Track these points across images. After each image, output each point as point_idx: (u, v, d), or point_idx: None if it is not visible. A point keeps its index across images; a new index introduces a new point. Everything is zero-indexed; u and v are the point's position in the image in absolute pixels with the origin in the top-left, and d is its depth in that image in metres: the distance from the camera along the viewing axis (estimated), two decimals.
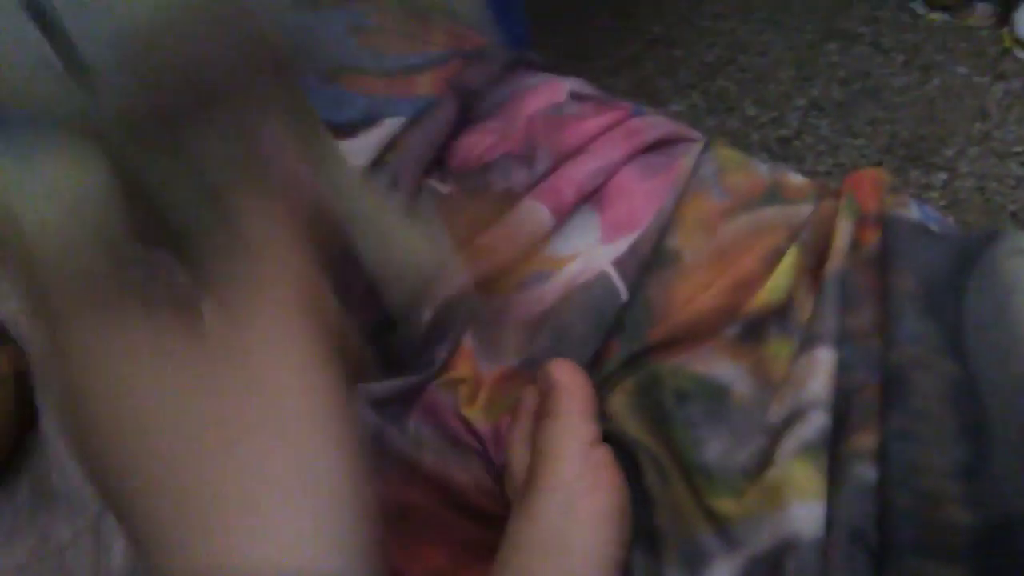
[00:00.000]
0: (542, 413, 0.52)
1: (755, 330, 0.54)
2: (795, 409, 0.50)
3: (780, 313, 0.54)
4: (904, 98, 1.66)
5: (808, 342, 0.52)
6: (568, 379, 0.52)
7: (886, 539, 0.47)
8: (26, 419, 0.55)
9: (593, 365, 0.56)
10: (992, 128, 1.59)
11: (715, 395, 0.53)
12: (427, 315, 0.57)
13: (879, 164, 1.50)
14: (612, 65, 1.90)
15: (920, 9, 1.83)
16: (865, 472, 0.47)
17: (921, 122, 1.61)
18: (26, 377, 0.55)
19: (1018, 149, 1.56)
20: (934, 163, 1.55)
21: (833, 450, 0.49)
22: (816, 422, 0.49)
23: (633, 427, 0.53)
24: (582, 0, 2.10)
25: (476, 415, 0.57)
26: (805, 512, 0.47)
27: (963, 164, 1.55)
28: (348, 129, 0.63)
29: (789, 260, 0.55)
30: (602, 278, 0.57)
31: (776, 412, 0.51)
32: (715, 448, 0.51)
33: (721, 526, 0.49)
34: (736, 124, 1.69)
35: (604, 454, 0.50)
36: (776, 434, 0.50)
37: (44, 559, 0.52)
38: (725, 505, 0.50)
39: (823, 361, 0.50)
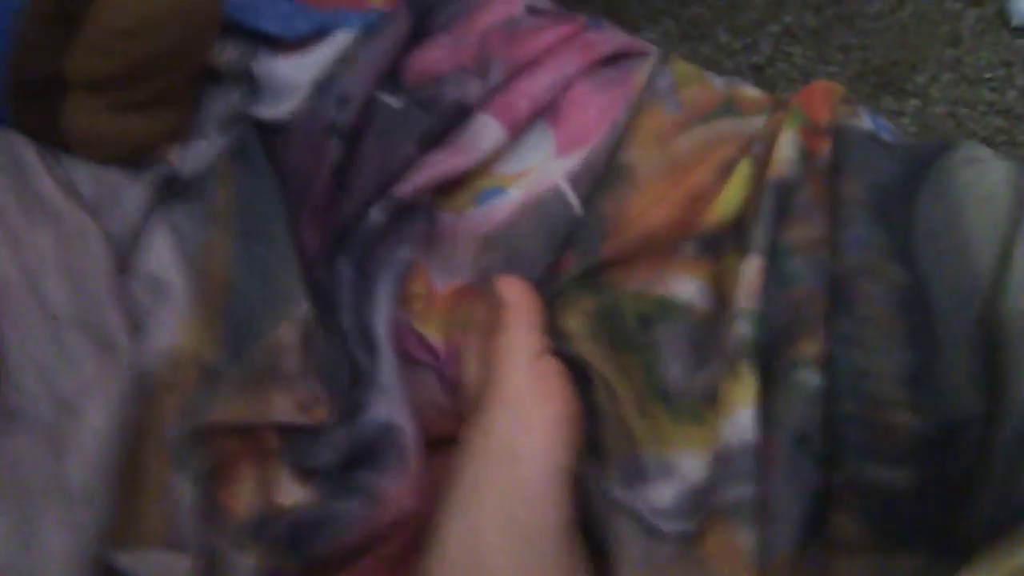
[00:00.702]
0: (491, 328, 0.52)
1: (711, 245, 0.54)
2: (728, 324, 0.50)
3: (734, 226, 0.54)
4: (877, 24, 1.65)
5: (743, 252, 0.52)
6: (515, 294, 0.52)
7: (832, 444, 0.47)
8: None
9: (546, 280, 0.56)
10: (964, 54, 1.58)
11: (678, 316, 0.53)
12: (378, 218, 0.56)
13: (851, 91, 1.49)
14: None
15: None
16: (809, 378, 0.47)
17: (894, 48, 1.60)
18: None
19: (989, 75, 1.56)
20: (906, 90, 1.55)
21: (777, 358, 0.49)
22: (739, 331, 0.49)
23: (588, 348, 0.53)
24: None
25: (430, 331, 0.57)
26: (732, 422, 0.47)
27: (935, 90, 1.54)
28: (298, 44, 0.62)
29: (742, 172, 0.55)
30: (555, 192, 0.56)
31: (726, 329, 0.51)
32: (676, 371, 0.52)
33: (670, 452, 0.50)
34: (709, 51, 1.68)
35: (553, 365, 0.51)
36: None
37: (2, 476, 0.52)
38: (686, 431, 0.50)
39: (750, 270, 0.50)
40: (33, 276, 0.54)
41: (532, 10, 0.66)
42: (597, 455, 0.51)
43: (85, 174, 0.59)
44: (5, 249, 0.55)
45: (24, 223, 0.56)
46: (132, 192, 0.58)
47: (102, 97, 0.57)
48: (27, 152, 0.59)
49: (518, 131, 0.59)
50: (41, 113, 0.58)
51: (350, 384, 0.55)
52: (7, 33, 0.57)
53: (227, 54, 0.62)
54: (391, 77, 0.61)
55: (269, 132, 0.61)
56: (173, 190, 0.58)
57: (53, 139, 0.59)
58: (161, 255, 0.56)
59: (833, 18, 1.68)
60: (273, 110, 0.61)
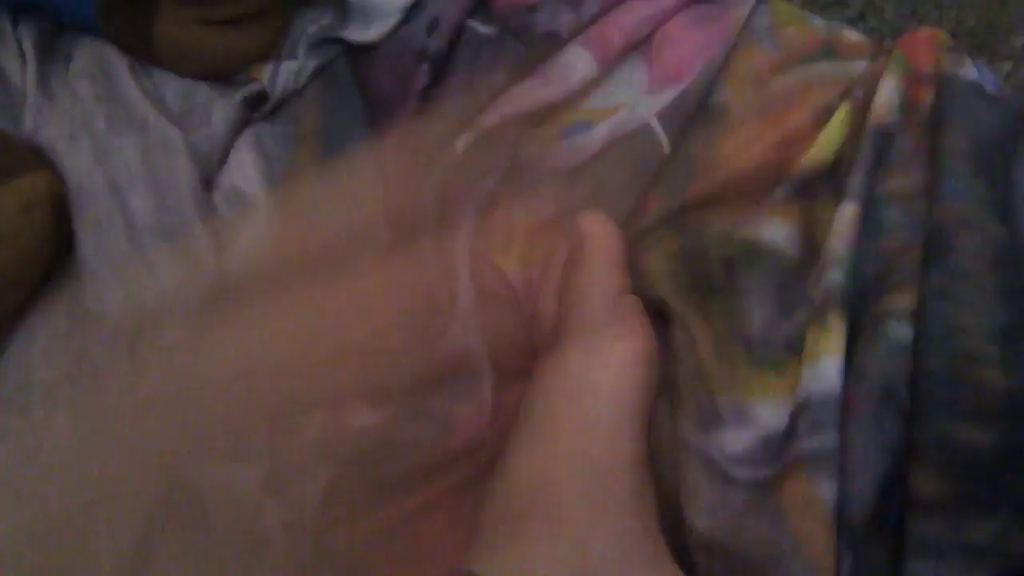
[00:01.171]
0: (571, 263, 0.51)
1: (804, 189, 0.53)
2: (820, 271, 0.49)
3: (829, 171, 0.53)
4: None
5: (838, 199, 0.50)
6: (598, 230, 0.52)
7: (918, 399, 0.46)
8: (62, 241, 0.55)
9: (631, 219, 0.55)
10: None
11: (764, 261, 0.52)
12: (461, 146, 0.56)
13: None
14: None
15: None
16: (900, 331, 0.46)
17: (988, 9, 1.55)
18: (62, 200, 0.55)
19: None
20: (999, 52, 1.50)
21: (867, 308, 0.48)
22: (829, 279, 0.48)
23: (669, 289, 0.52)
24: None
25: (509, 264, 0.56)
26: (816, 372, 0.46)
27: None
28: None
29: (839, 117, 0.53)
30: (644, 129, 0.55)
31: (815, 279, 0.50)
32: (760, 317, 0.51)
33: (748, 398, 0.49)
34: (799, 4, 1.64)
35: (633, 302, 0.50)
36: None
37: (78, 376, 0.53)
38: (765, 379, 0.49)
39: (844, 217, 0.49)
40: (116, 185, 0.55)
41: None
42: (672, 397, 0.50)
43: (174, 89, 0.59)
44: (90, 157, 0.56)
45: (110, 132, 0.57)
46: (220, 109, 0.58)
47: (193, 10, 0.57)
48: (117, 63, 0.59)
49: (610, 65, 0.58)
50: (132, 25, 0.58)
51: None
52: None
53: None
54: (482, 4, 0.61)
55: (358, 55, 0.60)
56: (261, 109, 0.58)
57: (143, 52, 0.59)
58: (246, 171, 0.56)
59: None
60: (363, 33, 0.60)
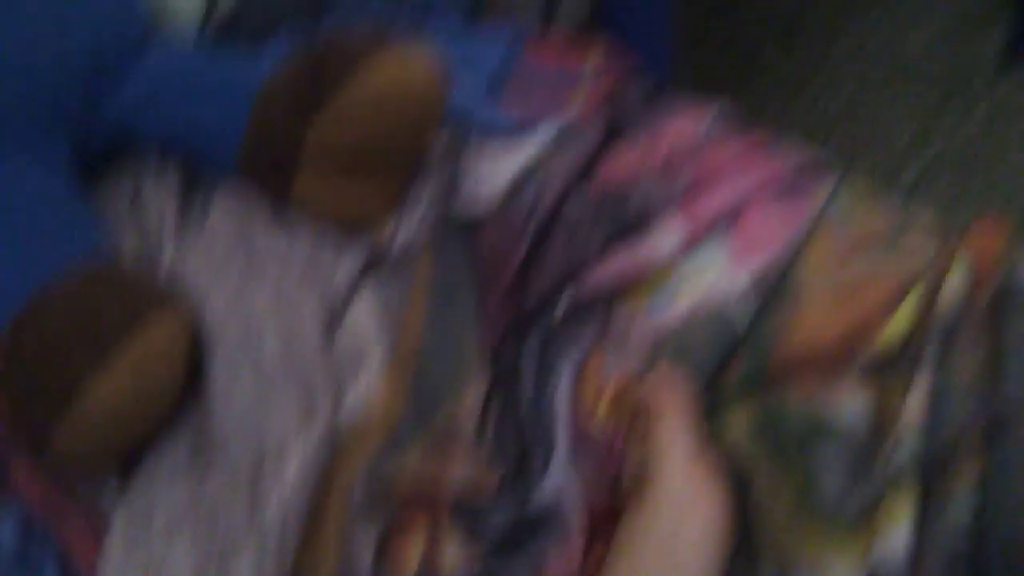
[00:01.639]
0: (652, 418, 0.55)
1: (876, 368, 0.57)
2: (896, 444, 0.53)
3: (900, 353, 0.57)
4: (1021, 166, 1.66)
5: (911, 378, 0.55)
6: (673, 389, 0.56)
7: (982, 569, 0.49)
8: (194, 375, 0.59)
9: (713, 384, 0.59)
10: None
11: (839, 433, 0.56)
12: (561, 311, 0.61)
13: None
14: (733, 110, 1.93)
15: None
16: (966, 503, 0.50)
17: None
18: (197, 337, 0.59)
19: None
20: None
21: (934, 483, 0.52)
22: (901, 453, 0.52)
23: (748, 453, 0.56)
24: (708, 49, 2.13)
25: (600, 413, 0.60)
26: (887, 539, 0.50)
27: None
28: (501, 141, 0.68)
29: (909, 303, 0.58)
30: (729, 299, 0.60)
31: (887, 452, 0.54)
32: (833, 485, 0.54)
33: (821, 561, 0.52)
34: (857, 173, 1.71)
35: (710, 463, 0.54)
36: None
37: (199, 505, 0.56)
38: (838, 544, 0.53)
39: (915, 396, 0.54)
40: (249, 329, 0.60)
41: (715, 127, 0.71)
42: (748, 557, 0.54)
43: (307, 237, 0.65)
44: (226, 300, 0.61)
45: (246, 277, 0.62)
46: (346, 259, 0.64)
47: (334, 165, 0.63)
48: (255, 208, 0.65)
49: (697, 239, 0.63)
50: (273, 174, 0.64)
51: (521, 454, 0.59)
52: (248, 105, 0.63)
53: (440, 141, 0.68)
54: (582, 179, 0.67)
55: (468, 218, 0.66)
56: (382, 261, 0.64)
57: (282, 199, 0.64)
58: (364, 322, 0.61)
59: (977, 156, 1.70)
60: (474, 199, 0.67)
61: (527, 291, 0.63)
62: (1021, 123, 1.75)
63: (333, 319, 0.62)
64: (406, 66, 0.61)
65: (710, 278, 0.62)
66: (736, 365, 0.59)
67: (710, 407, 0.58)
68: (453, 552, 0.56)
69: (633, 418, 0.58)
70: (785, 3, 2.20)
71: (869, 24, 2.09)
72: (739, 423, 0.57)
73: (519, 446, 0.59)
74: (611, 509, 0.56)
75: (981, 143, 1.72)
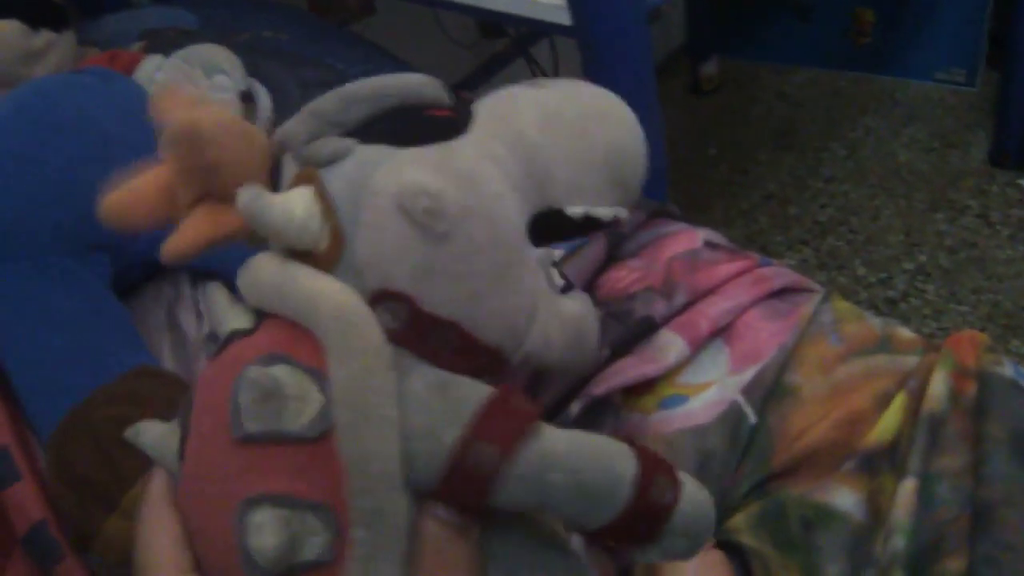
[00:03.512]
0: None
1: (868, 464, 0.61)
2: (888, 535, 0.57)
3: (889, 450, 0.61)
4: (1008, 270, 1.72)
5: (900, 475, 0.59)
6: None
7: None
8: None
9: (727, 488, 0.63)
10: None
11: (837, 523, 0.59)
12: (576, 411, 0.65)
13: (981, 331, 1.55)
14: (728, 217, 2.00)
15: None
16: None
17: (1022, 294, 1.66)
18: None
19: None
20: None
21: (924, 572, 0.56)
22: (894, 544, 0.56)
23: (752, 543, 0.60)
24: (704, 156, 2.21)
25: None
26: None
27: None
28: None
29: (898, 403, 0.63)
30: (735, 405, 0.65)
31: (880, 543, 0.58)
32: (833, 573, 0.58)
33: None
34: (845, 282, 1.77)
35: (718, 555, 0.58)
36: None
37: None
38: None
39: (904, 490, 0.57)
40: None
41: (710, 244, 0.77)
42: None
43: None
44: None
45: None
46: None
47: None
48: None
49: (698, 347, 0.68)
50: None
51: None
52: None
53: None
54: (588, 291, 0.72)
55: None
56: None
57: None
58: None
59: (965, 260, 1.75)
60: None
61: (539, 397, 0.67)
62: (1007, 229, 1.81)
63: None
64: None
65: (716, 383, 0.66)
66: (744, 470, 0.64)
67: (722, 510, 0.62)
68: None
69: None
70: (777, 111, 2.30)
71: (860, 132, 2.17)
72: (743, 517, 0.61)
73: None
74: None
75: (968, 251, 1.78)
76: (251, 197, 0.40)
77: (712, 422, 0.64)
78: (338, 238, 0.41)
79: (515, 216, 0.44)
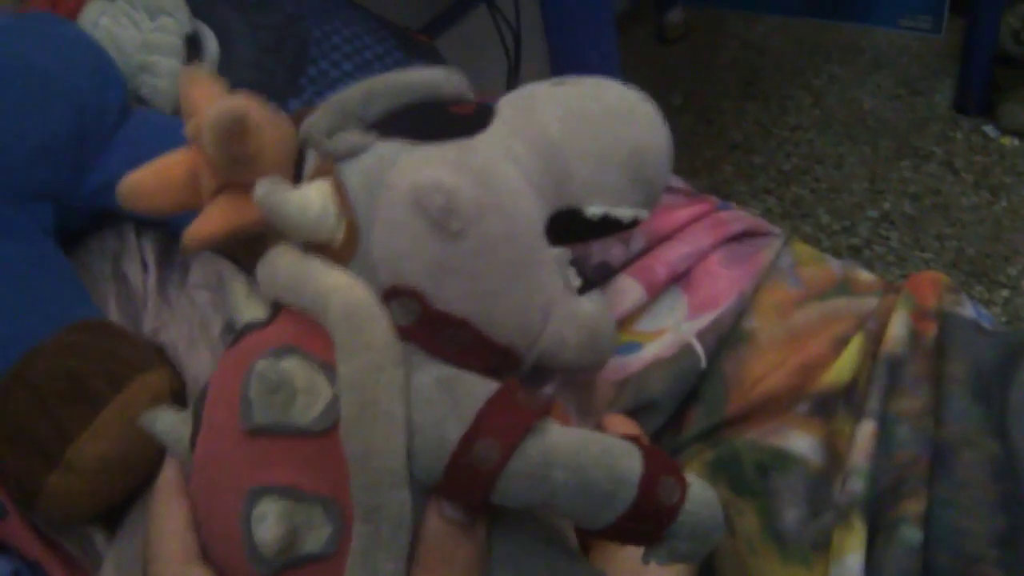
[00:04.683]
0: None
1: (823, 407, 0.61)
2: (846, 479, 0.56)
3: (845, 392, 0.61)
4: (972, 216, 1.72)
5: (857, 417, 0.58)
6: (624, 431, 0.59)
7: None
8: None
9: (673, 431, 0.63)
10: None
11: (793, 467, 0.59)
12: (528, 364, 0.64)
13: None
14: (693, 166, 1.99)
15: (992, 132, 1.89)
16: (911, 533, 0.53)
17: (987, 240, 1.67)
18: (182, 396, 0.62)
19: None
20: (997, 280, 1.61)
21: (883, 514, 0.55)
22: (852, 487, 0.55)
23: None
24: (669, 105, 2.19)
25: None
26: (841, 568, 0.53)
27: None
28: None
29: (855, 345, 0.62)
30: (685, 348, 0.64)
31: (839, 486, 0.57)
32: (791, 517, 0.58)
33: None
34: (809, 230, 1.76)
35: None
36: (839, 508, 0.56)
37: None
38: (796, 573, 0.56)
39: (863, 432, 0.57)
40: None
41: (669, 188, 0.75)
42: None
43: None
44: (208, 361, 0.64)
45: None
46: None
47: None
48: (231, 276, 0.68)
49: (655, 293, 0.67)
50: (246, 246, 0.67)
51: None
52: None
53: None
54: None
55: None
56: None
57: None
58: None
59: (930, 208, 1.75)
60: None
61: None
62: (971, 176, 1.81)
63: None
64: None
65: (671, 330, 0.65)
66: (695, 412, 0.63)
67: (669, 454, 0.61)
68: None
69: None
70: (743, 60, 2.28)
71: (825, 80, 2.16)
72: (697, 466, 0.60)
73: None
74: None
75: (933, 197, 1.78)
76: (268, 190, 0.41)
77: (657, 361, 0.63)
78: (354, 233, 0.41)
79: (532, 214, 0.43)
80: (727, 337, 0.65)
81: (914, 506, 0.54)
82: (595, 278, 0.67)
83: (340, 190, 0.42)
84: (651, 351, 0.64)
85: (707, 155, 2.01)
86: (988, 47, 1.88)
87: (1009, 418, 0.56)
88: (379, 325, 0.39)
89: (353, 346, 0.39)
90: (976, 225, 1.70)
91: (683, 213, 0.71)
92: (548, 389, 0.64)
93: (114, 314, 0.69)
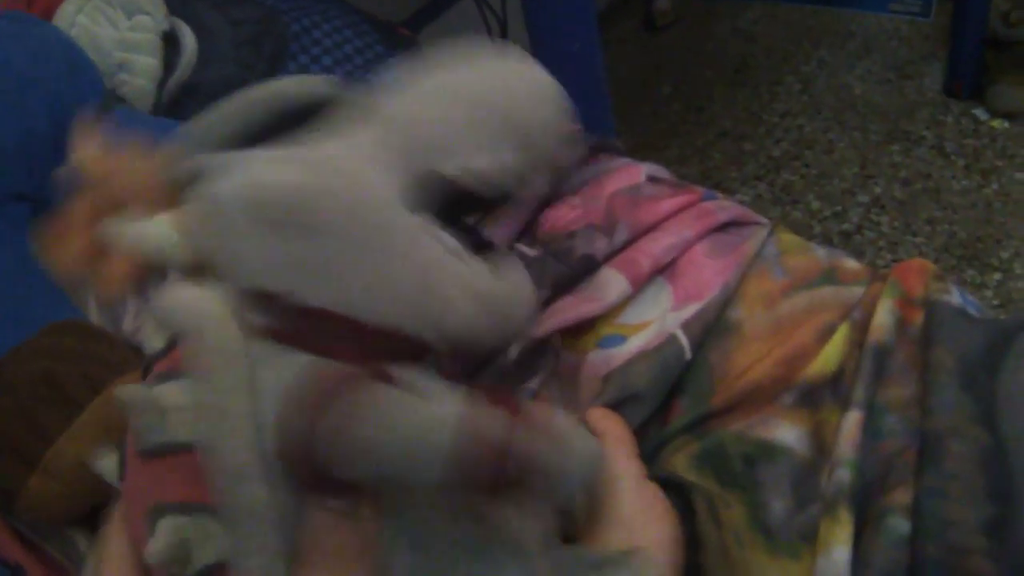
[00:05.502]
0: None
1: (809, 397, 0.60)
2: (833, 469, 0.56)
3: (832, 382, 0.60)
4: (963, 200, 1.71)
5: (844, 407, 0.58)
6: (611, 424, 0.58)
7: None
8: None
9: (658, 423, 0.62)
10: None
11: (780, 458, 0.58)
12: (514, 354, 0.63)
13: (936, 262, 1.55)
14: (683, 154, 1.98)
15: (982, 115, 1.89)
16: (899, 524, 0.53)
17: (978, 224, 1.66)
18: None
19: None
20: (989, 264, 1.60)
21: (870, 504, 0.55)
22: (839, 478, 0.55)
23: (696, 478, 0.59)
24: (658, 93, 2.19)
25: None
26: (828, 559, 0.53)
27: (1017, 266, 1.59)
28: None
29: (841, 335, 0.61)
30: (670, 340, 0.63)
31: (826, 477, 0.57)
32: (778, 508, 0.57)
33: None
34: (799, 216, 1.76)
35: (656, 490, 0.56)
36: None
37: None
38: (782, 565, 0.55)
39: (849, 422, 0.56)
40: None
41: (653, 179, 0.74)
42: None
43: None
44: None
45: None
46: None
47: None
48: None
49: (640, 285, 0.66)
50: None
51: None
52: None
53: None
54: (528, 230, 0.69)
55: None
56: None
57: None
58: None
59: (920, 192, 1.75)
60: None
61: None
62: (962, 160, 1.81)
63: None
64: None
65: (656, 322, 0.65)
66: (678, 406, 0.62)
67: (654, 447, 0.61)
68: None
69: None
70: (732, 47, 2.27)
71: (814, 65, 2.15)
72: (683, 458, 0.60)
73: None
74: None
75: (923, 182, 1.78)
76: (112, 232, 0.45)
77: (642, 354, 0.63)
78: (199, 251, 0.43)
79: (377, 187, 0.44)
80: (712, 328, 0.64)
81: (902, 496, 0.53)
82: (579, 271, 0.67)
83: (181, 215, 0.44)
84: (635, 343, 0.64)
85: (697, 142, 2.01)
86: (977, 30, 1.87)
87: (997, 407, 0.55)
88: (218, 330, 0.40)
89: (195, 354, 0.40)
90: (967, 209, 1.70)
91: (667, 204, 0.70)
92: (533, 384, 0.64)
93: (94, 315, 0.68)
